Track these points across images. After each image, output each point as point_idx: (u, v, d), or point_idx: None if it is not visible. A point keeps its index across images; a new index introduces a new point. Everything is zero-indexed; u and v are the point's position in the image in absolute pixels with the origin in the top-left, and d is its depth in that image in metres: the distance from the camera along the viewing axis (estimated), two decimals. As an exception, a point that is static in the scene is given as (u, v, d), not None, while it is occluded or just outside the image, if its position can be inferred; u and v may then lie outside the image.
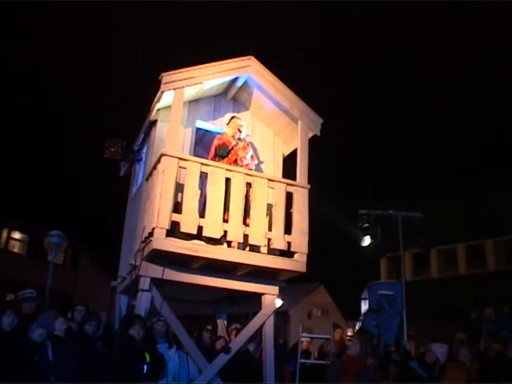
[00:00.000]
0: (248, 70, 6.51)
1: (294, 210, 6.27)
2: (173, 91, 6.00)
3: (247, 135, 6.65)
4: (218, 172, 5.91)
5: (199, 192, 5.78)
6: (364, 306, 26.85)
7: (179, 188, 5.82)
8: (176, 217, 5.55)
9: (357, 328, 22.12)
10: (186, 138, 6.59)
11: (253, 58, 6.51)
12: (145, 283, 5.70)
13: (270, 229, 6.10)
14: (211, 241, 5.73)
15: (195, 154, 6.48)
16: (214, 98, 7.05)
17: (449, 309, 19.15)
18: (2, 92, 40.66)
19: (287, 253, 6.12)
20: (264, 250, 6.07)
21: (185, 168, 5.79)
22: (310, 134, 6.78)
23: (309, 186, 6.46)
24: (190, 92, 6.43)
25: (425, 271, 23.75)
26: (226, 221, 5.81)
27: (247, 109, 7.22)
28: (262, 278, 6.29)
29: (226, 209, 5.85)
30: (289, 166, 7.08)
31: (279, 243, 6.05)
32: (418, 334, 10.89)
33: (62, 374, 4.85)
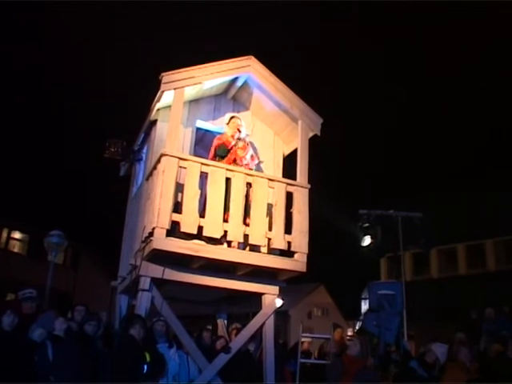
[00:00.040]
0: (248, 69, 6.51)
1: (294, 210, 6.27)
2: (173, 91, 6.00)
3: (247, 135, 6.65)
4: (218, 172, 5.91)
5: (199, 192, 5.78)
6: (364, 306, 26.89)
7: (179, 188, 5.82)
8: (176, 217, 5.55)
9: (357, 328, 22.12)
10: (186, 137, 6.59)
11: (253, 57, 6.51)
12: (145, 283, 5.70)
13: (270, 229, 6.10)
14: (211, 241, 5.73)
15: (195, 154, 6.48)
16: (214, 97, 7.05)
17: (449, 309, 19.15)
18: (2, 92, 40.69)
19: (287, 252, 6.13)
20: (264, 249, 6.07)
21: (185, 168, 5.79)
22: (310, 134, 6.78)
23: (309, 186, 6.46)
24: (190, 92, 6.43)
25: (425, 271, 23.76)
26: (226, 220, 5.81)
27: (247, 109, 7.22)
28: (262, 278, 6.29)
29: (226, 208, 5.85)
30: (289, 165, 7.08)
31: (279, 243, 6.05)
32: (418, 334, 10.88)
33: (62, 374, 4.85)
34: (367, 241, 11.14)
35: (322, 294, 35.96)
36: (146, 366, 5.01)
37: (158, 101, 6.25)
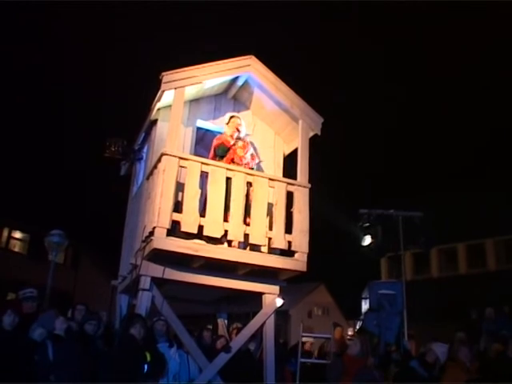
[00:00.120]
0: (248, 69, 6.51)
1: (295, 210, 6.27)
2: (173, 90, 6.00)
3: (247, 134, 6.65)
4: (218, 171, 5.91)
5: (200, 191, 5.79)
6: (364, 306, 26.83)
7: (180, 187, 5.82)
8: (176, 216, 5.55)
9: (357, 327, 22.12)
10: (187, 137, 6.59)
11: (253, 57, 6.51)
12: (145, 282, 5.70)
13: (270, 228, 6.10)
14: (212, 240, 5.73)
15: (196, 154, 6.48)
16: (214, 97, 7.05)
17: (449, 308, 19.13)
18: (2, 92, 40.68)
19: (288, 252, 6.13)
20: (264, 249, 6.07)
21: (185, 167, 5.79)
22: (311, 134, 6.78)
23: (309, 186, 6.46)
24: (191, 91, 6.43)
25: (425, 271, 23.72)
26: (226, 220, 5.81)
27: (248, 108, 7.23)
28: (263, 278, 6.29)
29: (227, 208, 5.85)
30: (289, 165, 7.08)
31: (280, 242, 6.05)
32: (418, 334, 10.88)
33: (62, 374, 4.86)
34: (367, 240, 11.15)
35: (323, 293, 35.93)
36: (146, 366, 5.01)
37: (159, 100, 6.25)
